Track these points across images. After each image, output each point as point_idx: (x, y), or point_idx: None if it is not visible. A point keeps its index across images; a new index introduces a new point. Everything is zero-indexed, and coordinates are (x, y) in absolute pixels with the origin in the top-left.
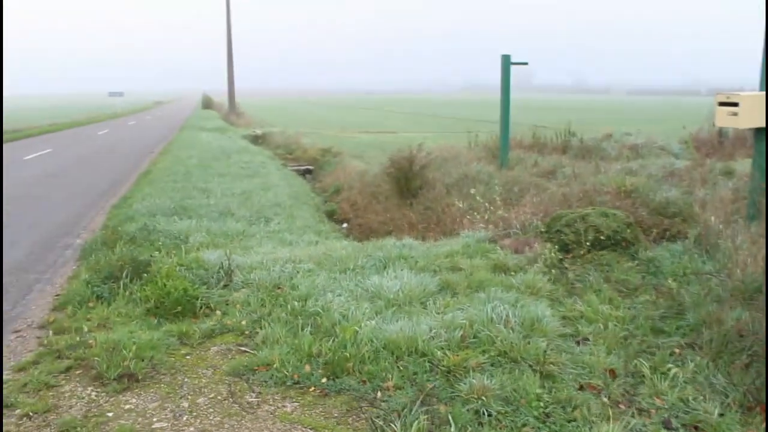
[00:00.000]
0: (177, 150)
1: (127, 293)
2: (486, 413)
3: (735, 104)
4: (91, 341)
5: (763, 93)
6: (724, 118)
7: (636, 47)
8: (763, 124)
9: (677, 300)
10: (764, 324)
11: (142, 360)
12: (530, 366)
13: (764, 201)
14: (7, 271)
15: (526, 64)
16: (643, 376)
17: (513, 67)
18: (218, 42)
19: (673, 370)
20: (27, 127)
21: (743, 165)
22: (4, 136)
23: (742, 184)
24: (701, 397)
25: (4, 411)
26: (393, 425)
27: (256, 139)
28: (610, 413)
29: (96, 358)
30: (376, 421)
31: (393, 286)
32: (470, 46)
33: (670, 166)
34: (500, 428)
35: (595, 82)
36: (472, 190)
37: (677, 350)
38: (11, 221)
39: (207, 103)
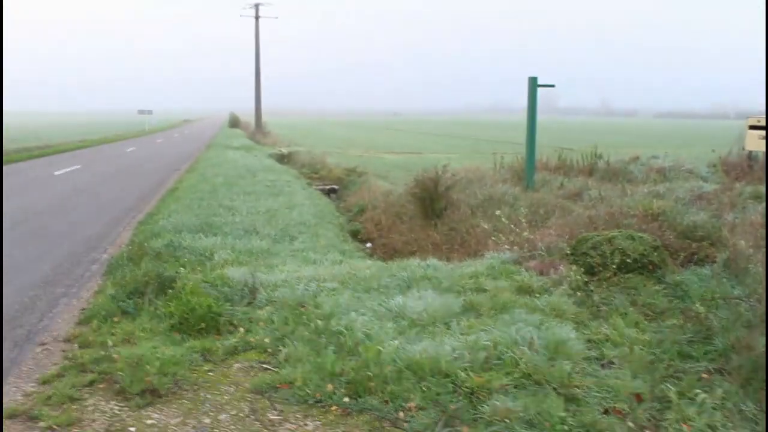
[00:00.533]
0: (203, 168)
1: (152, 309)
2: None
3: (766, 127)
4: (115, 356)
5: None
6: (754, 142)
7: (663, 70)
8: None
9: (705, 324)
10: None
11: (165, 375)
12: (554, 389)
13: None
14: (35, 284)
15: (553, 86)
16: (670, 401)
17: (539, 90)
18: (247, 62)
19: (701, 396)
20: (58, 143)
21: None
22: (35, 152)
23: None
24: (730, 424)
25: (30, 423)
26: None
27: (281, 158)
28: None
29: (120, 373)
30: None
31: (417, 307)
32: (498, 69)
33: (698, 189)
34: None
35: (621, 105)
36: (498, 212)
37: (705, 375)
38: (39, 234)
39: (234, 122)
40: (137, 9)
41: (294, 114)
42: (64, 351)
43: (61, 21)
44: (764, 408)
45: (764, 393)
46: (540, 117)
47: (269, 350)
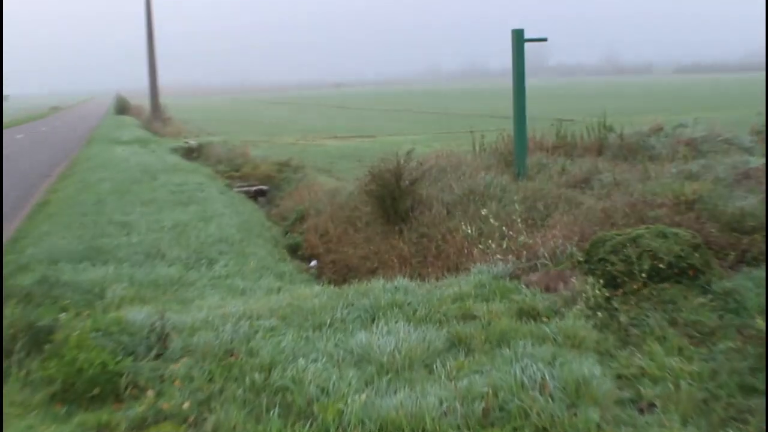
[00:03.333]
0: (83, 171)
1: (23, 373)
2: None
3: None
4: None
5: None
6: None
7: (682, 12)
8: None
9: None
10: None
11: None
12: None
13: None
14: None
15: (544, 40)
16: None
17: (527, 46)
18: (135, 32)
19: None
20: None
21: None
22: None
23: None
24: None
25: None
26: None
27: (189, 153)
28: None
29: None
30: None
31: (386, 345)
32: (468, 21)
33: (743, 165)
34: None
35: (631, 60)
36: (484, 210)
37: None
38: None
39: (121, 107)
40: None
41: (205, 93)
42: None
43: None
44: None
45: None
46: (528, 80)
47: (191, 419)
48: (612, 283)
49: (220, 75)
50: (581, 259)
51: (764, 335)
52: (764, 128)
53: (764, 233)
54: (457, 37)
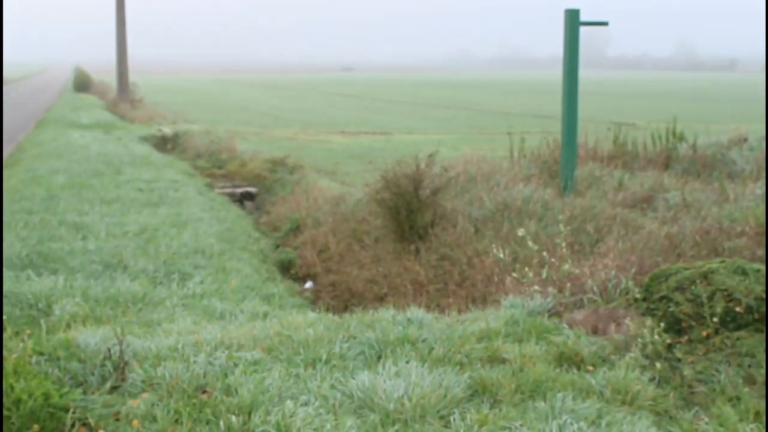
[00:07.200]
0: (32, 159)
1: None
2: None
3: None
4: None
5: None
6: None
7: None
8: None
9: None
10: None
11: None
12: None
13: None
14: None
15: (605, 24)
16: None
17: (583, 30)
18: None
19: None
20: None
21: None
22: None
23: None
24: None
25: None
26: None
27: (163, 143)
28: None
29: None
30: None
31: (394, 390)
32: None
33: None
34: None
35: (710, 52)
36: (520, 231)
37: None
38: None
39: (82, 83)
40: None
41: (185, 70)
42: None
43: None
44: None
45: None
46: (583, 72)
47: None
48: (675, 327)
49: (211, 52)
50: (638, 296)
51: None
52: None
53: None
54: (495, 18)
